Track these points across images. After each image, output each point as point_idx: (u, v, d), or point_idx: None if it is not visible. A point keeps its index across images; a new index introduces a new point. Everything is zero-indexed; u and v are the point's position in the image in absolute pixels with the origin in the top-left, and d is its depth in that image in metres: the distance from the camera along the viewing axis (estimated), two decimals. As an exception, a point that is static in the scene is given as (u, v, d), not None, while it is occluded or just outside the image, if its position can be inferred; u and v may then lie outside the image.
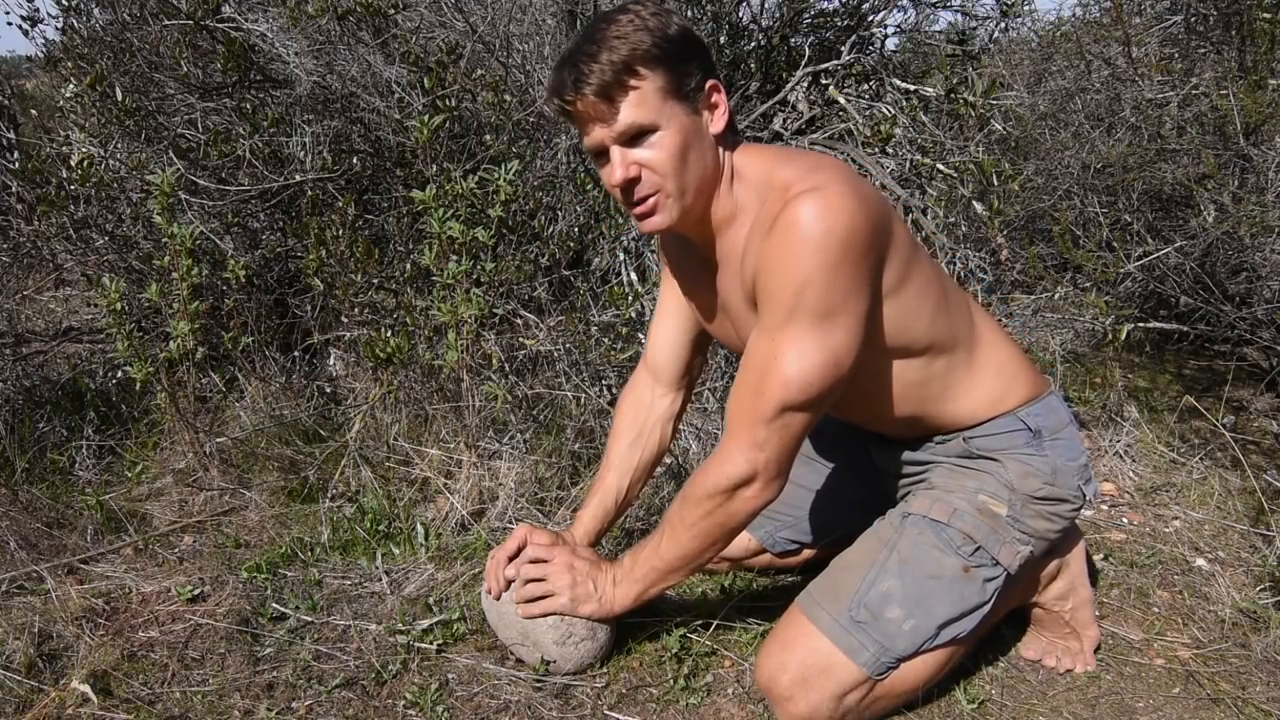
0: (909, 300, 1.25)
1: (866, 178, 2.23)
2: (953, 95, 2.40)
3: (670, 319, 1.52)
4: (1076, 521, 1.57)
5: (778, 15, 2.55)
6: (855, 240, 1.13)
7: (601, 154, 1.21)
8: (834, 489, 1.62)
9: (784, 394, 1.16)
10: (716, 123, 1.22)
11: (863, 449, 1.58)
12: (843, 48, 2.52)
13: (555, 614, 1.39)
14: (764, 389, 1.17)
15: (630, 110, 1.15)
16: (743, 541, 1.64)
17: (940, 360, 1.31)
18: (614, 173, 1.18)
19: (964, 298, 1.37)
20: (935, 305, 1.28)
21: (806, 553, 1.65)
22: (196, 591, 1.65)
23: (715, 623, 1.54)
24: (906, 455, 1.44)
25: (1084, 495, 1.37)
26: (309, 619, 1.59)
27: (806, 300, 1.13)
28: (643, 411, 1.57)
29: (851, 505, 1.57)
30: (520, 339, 2.07)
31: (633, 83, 1.14)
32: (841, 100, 2.42)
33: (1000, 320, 2.10)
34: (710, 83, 1.21)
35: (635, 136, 1.17)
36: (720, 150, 1.24)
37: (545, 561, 1.41)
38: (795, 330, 1.15)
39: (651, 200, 1.20)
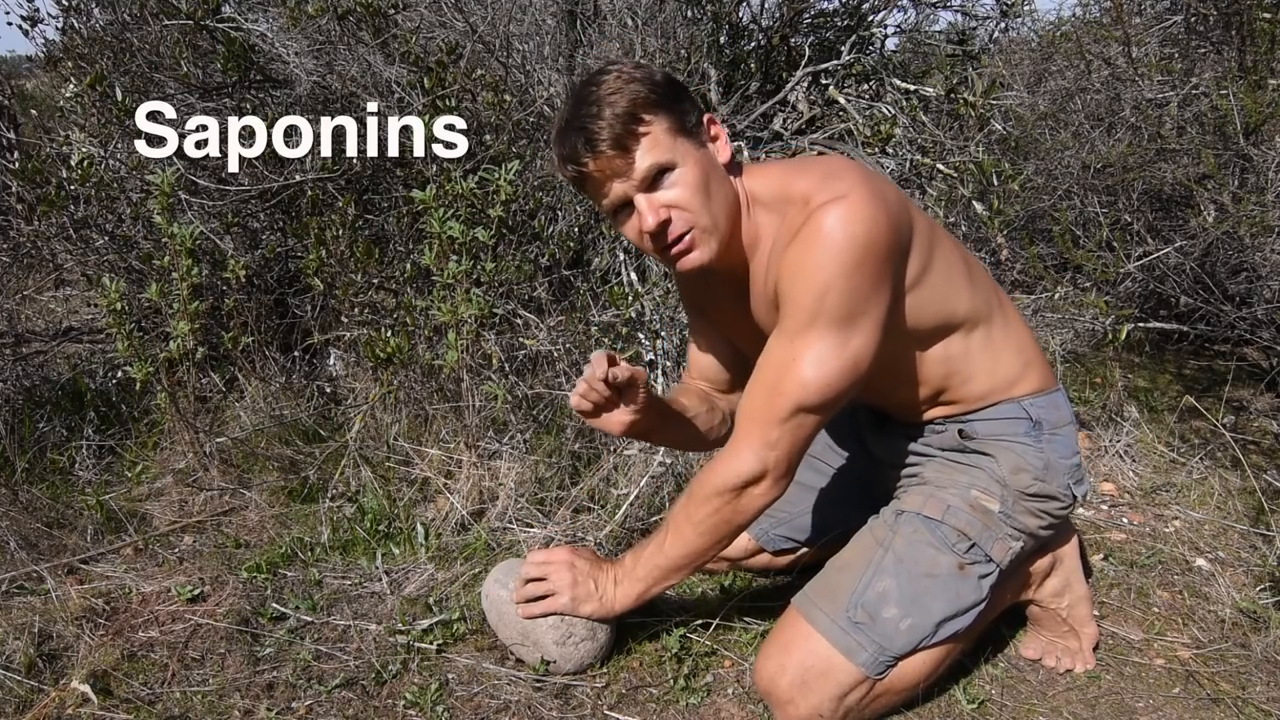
0: (937, 280, 1.26)
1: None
2: (953, 95, 2.40)
3: (706, 333, 1.52)
4: (1073, 519, 1.57)
5: (778, 15, 2.55)
6: (877, 246, 1.14)
7: (622, 209, 1.22)
8: (829, 486, 1.62)
9: (801, 395, 1.17)
10: (723, 152, 1.25)
11: (858, 440, 1.58)
12: (843, 48, 2.52)
13: (556, 614, 1.39)
14: (781, 389, 1.18)
15: (646, 155, 1.17)
16: (741, 541, 1.64)
17: (977, 331, 1.32)
18: (645, 219, 1.18)
19: (986, 272, 1.39)
20: (962, 278, 1.30)
21: (804, 552, 1.65)
22: (196, 591, 1.65)
23: (715, 623, 1.54)
24: (902, 444, 1.45)
25: (1074, 495, 1.38)
26: (309, 619, 1.59)
27: (828, 305, 1.15)
28: (703, 391, 1.55)
29: (847, 503, 1.57)
30: (520, 339, 2.07)
31: (641, 129, 1.16)
32: (841, 100, 2.42)
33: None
34: (707, 116, 1.24)
35: (655, 180, 1.19)
36: (733, 178, 1.26)
37: (545, 562, 1.41)
38: (815, 334, 1.16)
39: (688, 238, 1.21)
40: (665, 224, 1.19)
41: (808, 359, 1.17)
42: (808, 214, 1.16)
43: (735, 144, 2.26)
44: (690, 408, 1.50)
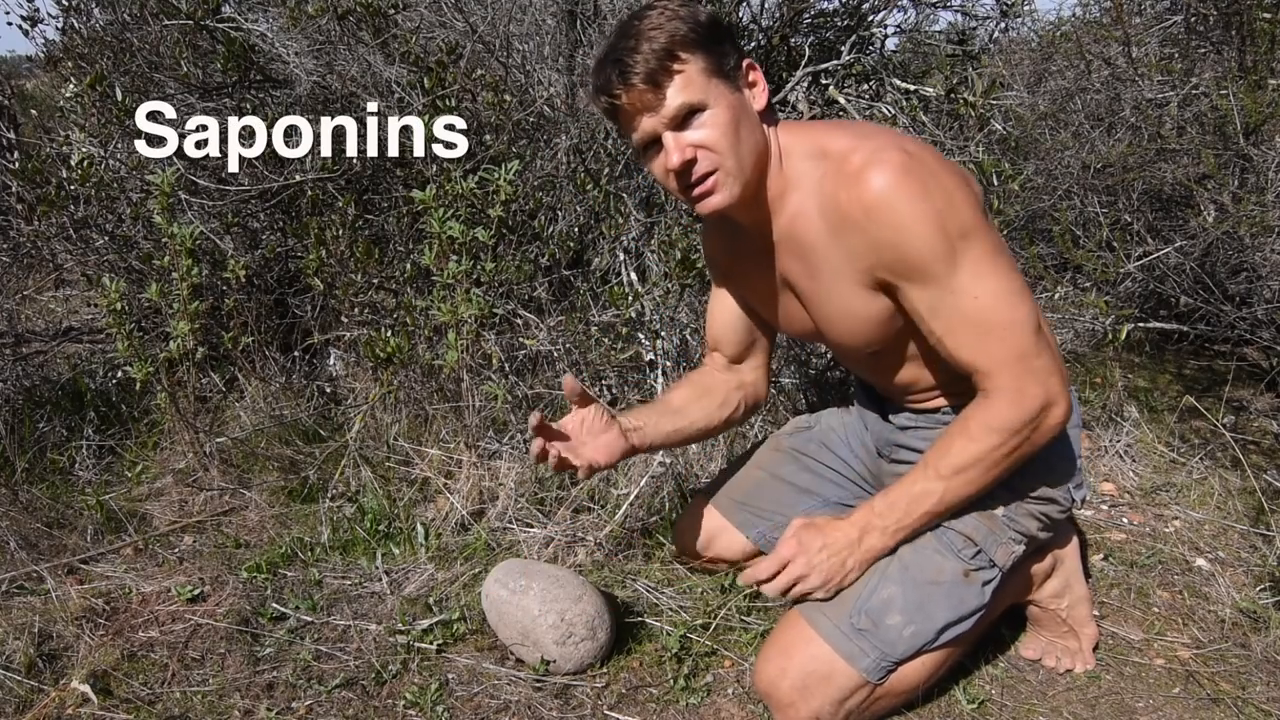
0: None
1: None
2: (953, 95, 2.40)
3: (725, 295, 1.52)
4: (1073, 520, 1.57)
5: (778, 15, 2.54)
6: (929, 169, 1.14)
7: (651, 145, 1.22)
8: (828, 489, 1.62)
9: (1018, 314, 1.16)
10: (759, 99, 1.24)
11: (858, 441, 1.57)
12: (843, 48, 2.52)
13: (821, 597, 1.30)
14: (1010, 324, 1.16)
15: (678, 93, 1.17)
16: (739, 544, 1.63)
17: None
18: (670, 157, 1.19)
19: (1019, 269, 1.37)
20: None
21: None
22: (196, 591, 1.65)
23: (715, 623, 1.54)
24: (907, 442, 1.44)
25: (1073, 499, 1.38)
26: (309, 619, 1.59)
27: (950, 230, 1.14)
28: (706, 377, 1.55)
29: (846, 505, 1.57)
30: (520, 339, 2.07)
31: (676, 67, 1.16)
32: (841, 100, 2.42)
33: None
34: (746, 62, 1.23)
35: (685, 119, 1.18)
36: (766, 127, 1.25)
37: (784, 558, 1.31)
38: (970, 262, 1.15)
39: (711, 179, 1.21)
40: (690, 163, 1.19)
41: (989, 282, 1.15)
42: (847, 178, 1.16)
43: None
44: (677, 403, 1.51)
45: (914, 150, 1.16)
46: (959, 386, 1.36)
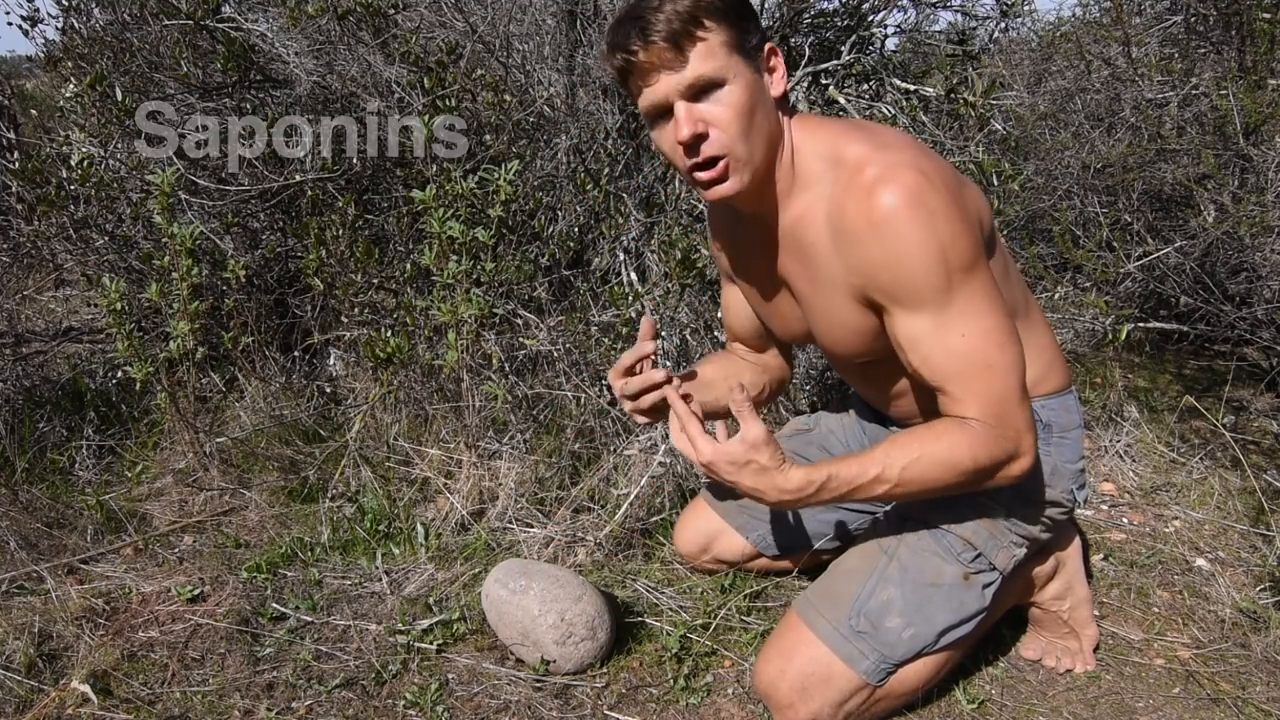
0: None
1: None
2: (953, 95, 2.40)
3: (736, 294, 1.50)
4: (1075, 521, 1.57)
5: (778, 15, 2.54)
6: (942, 197, 1.11)
7: (662, 116, 1.15)
8: None
9: (1007, 359, 1.14)
10: (776, 85, 1.17)
11: (858, 444, 1.57)
12: (843, 48, 2.52)
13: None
14: (994, 370, 1.14)
15: (699, 61, 1.09)
16: (739, 546, 1.64)
17: None
18: (680, 128, 1.11)
19: (1019, 272, 1.35)
20: (1002, 274, 1.26)
21: (802, 556, 1.65)
22: (196, 591, 1.65)
23: (715, 623, 1.54)
24: None
25: (1075, 500, 1.37)
26: (309, 619, 1.59)
27: (951, 264, 1.11)
28: (732, 362, 1.53)
29: (844, 511, 1.57)
30: (520, 339, 2.07)
31: (700, 33, 1.09)
32: (841, 100, 2.42)
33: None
34: (769, 45, 1.16)
35: (700, 92, 1.11)
36: (780, 116, 1.19)
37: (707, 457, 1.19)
38: (964, 297, 1.13)
39: (721, 164, 1.14)
40: (700, 138, 1.12)
41: (981, 321, 1.13)
42: (859, 189, 1.12)
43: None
44: (707, 376, 1.48)
45: (929, 170, 1.11)
46: None
